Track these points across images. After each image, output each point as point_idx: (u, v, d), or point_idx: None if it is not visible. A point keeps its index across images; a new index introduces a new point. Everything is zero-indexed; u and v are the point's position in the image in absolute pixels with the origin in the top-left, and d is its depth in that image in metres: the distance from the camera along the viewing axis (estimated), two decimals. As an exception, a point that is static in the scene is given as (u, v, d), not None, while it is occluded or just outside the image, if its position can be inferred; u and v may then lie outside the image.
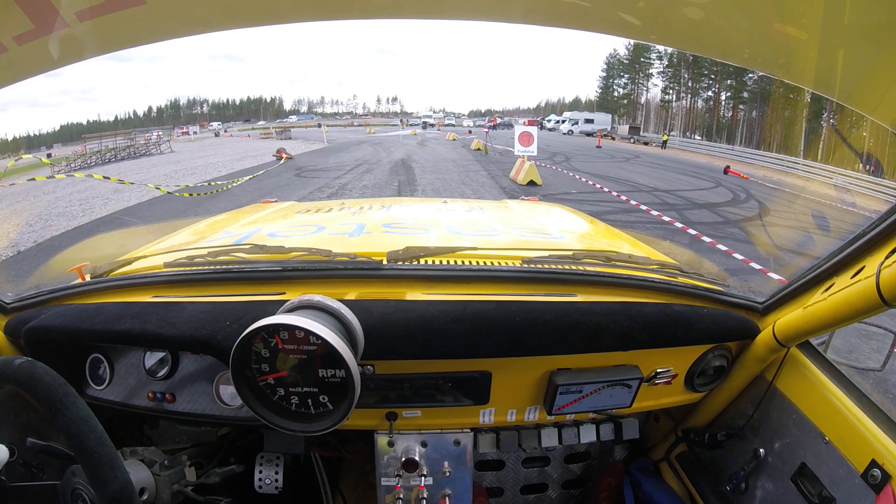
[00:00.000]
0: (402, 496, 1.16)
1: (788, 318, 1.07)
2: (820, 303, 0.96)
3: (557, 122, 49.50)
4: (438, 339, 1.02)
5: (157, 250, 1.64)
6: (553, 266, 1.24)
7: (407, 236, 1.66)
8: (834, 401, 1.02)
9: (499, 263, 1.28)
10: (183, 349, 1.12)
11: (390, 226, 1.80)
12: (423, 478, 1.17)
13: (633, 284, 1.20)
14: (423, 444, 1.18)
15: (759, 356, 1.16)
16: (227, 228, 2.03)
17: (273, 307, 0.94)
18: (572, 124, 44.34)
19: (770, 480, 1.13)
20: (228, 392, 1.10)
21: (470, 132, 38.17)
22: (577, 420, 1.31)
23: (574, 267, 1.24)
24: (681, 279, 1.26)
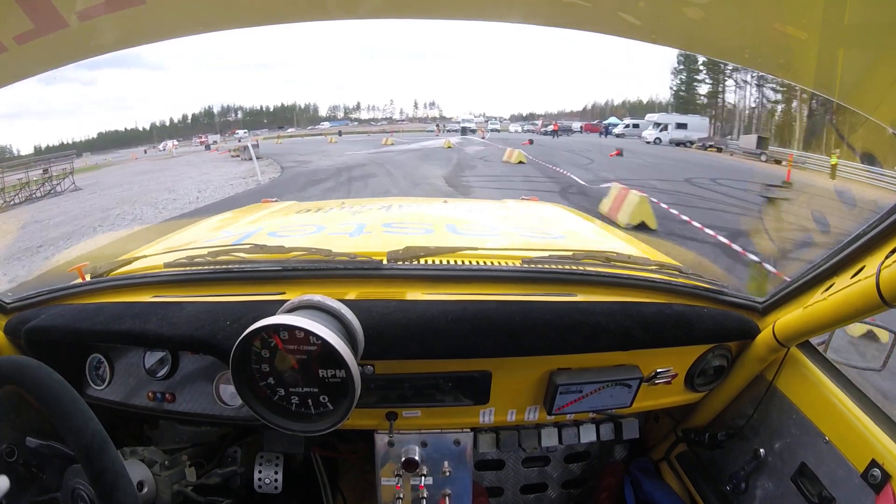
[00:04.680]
0: (402, 496, 1.16)
1: (788, 318, 1.07)
2: (820, 303, 0.96)
3: (629, 126, 37.18)
4: (438, 338, 1.02)
5: (157, 250, 1.64)
6: (553, 266, 1.24)
7: (407, 236, 1.66)
8: (834, 401, 1.02)
9: (499, 263, 1.28)
10: (183, 349, 1.12)
11: (390, 225, 1.80)
12: (423, 478, 1.17)
13: (633, 284, 1.20)
14: (423, 444, 1.18)
15: (759, 356, 1.16)
16: (227, 228, 2.04)
17: (273, 307, 0.94)
18: (659, 130, 30.34)
19: (770, 480, 1.13)
20: (228, 392, 1.10)
21: (531, 142, 27.27)
22: (577, 420, 1.31)
23: (574, 267, 1.24)
24: (681, 279, 1.26)
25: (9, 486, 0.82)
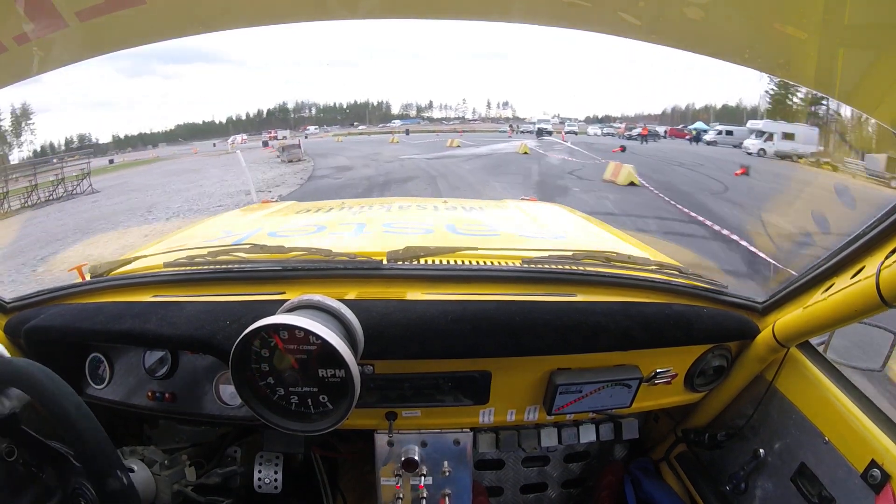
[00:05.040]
0: (401, 496, 1.16)
1: (788, 319, 1.07)
2: (820, 303, 0.96)
3: (721, 133, 30.19)
4: (438, 338, 1.02)
5: (157, 250, 1.64)
6: (553, 266, 1.24)
7: (407, 236, 1.66)
8: (833, 401, 1.02)
9: (499, 263, 1.28)
10: (183, 349, 1.12)
11: (390, 225, 1.80)
12: (422, 477, 1.17)
13: (633, 284, 1.20)
14: (423, 444, 1.18)
15: (759, 356, 1.16)
16: (227, 228, 2.04)
17: (273, 307, 0.94)
18: (764, 140, 23.91)
19: (770, 480, 1.13)
20: (228, 392, 1.10)
21: (623, 149, 20.19)
22: (576, 420, 1.31)
23: (574, 267, 1.24)
24: (681, 279, 1.26)
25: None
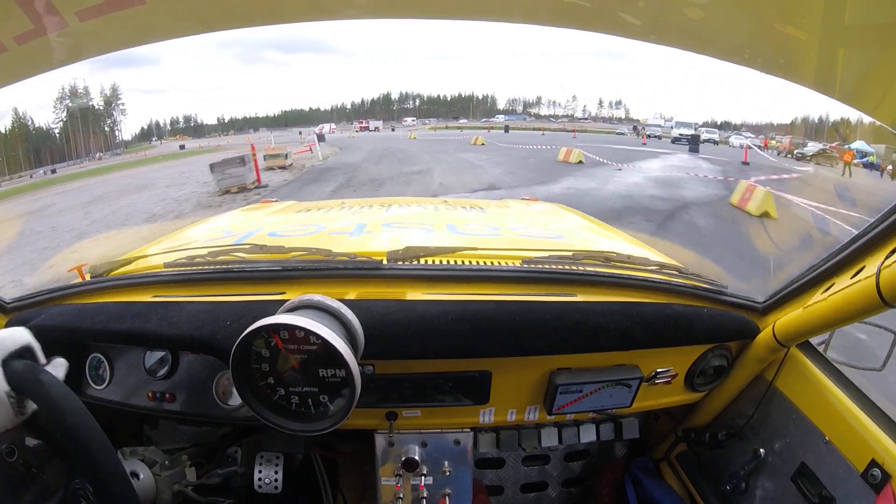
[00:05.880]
0: (402, 496, 1.16)
1: (788, 318, 1.07)
2: (820, 303, 0.96)
3: None
4: (438, 338, 1.02)
5: (157, 250, 1.64)
6: (553, 266, 1.24)
7: (407, 236, 1.66)
8: (834, 401, 1.02)
9: (499, 263, 1.28)
10: (183, 349, 1.12)
11: (390, 225, 1.80)
12: (423, 477, 1.17)
13: (633, 284, 1.20)
14: (423, 444, 1.18)
15: (759, 356, 1.16)
16: (227, 228, 2.04)
17: (273, 307, 0.94)
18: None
19: (770, 480, 1.13)
20: (228, 392, 1.10)
21: None
22: (577, 420, 1.31)
23: (574, 267, 1.24)
24: (680, 279, 1.26)
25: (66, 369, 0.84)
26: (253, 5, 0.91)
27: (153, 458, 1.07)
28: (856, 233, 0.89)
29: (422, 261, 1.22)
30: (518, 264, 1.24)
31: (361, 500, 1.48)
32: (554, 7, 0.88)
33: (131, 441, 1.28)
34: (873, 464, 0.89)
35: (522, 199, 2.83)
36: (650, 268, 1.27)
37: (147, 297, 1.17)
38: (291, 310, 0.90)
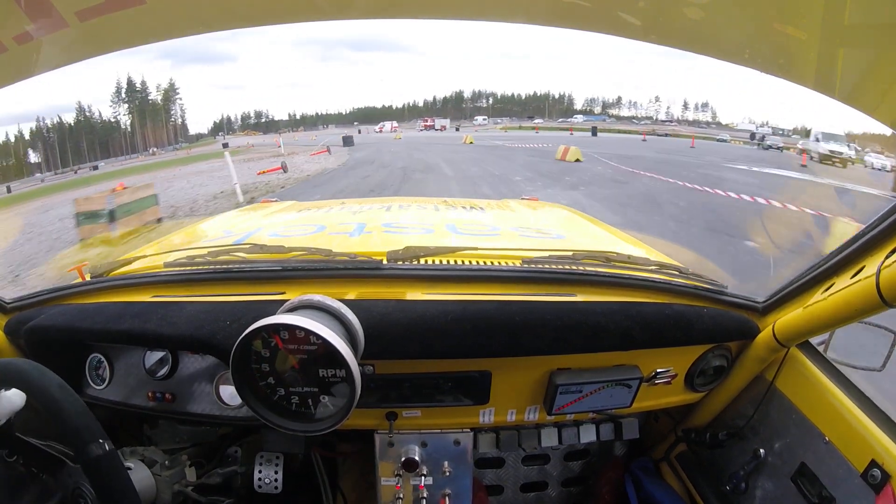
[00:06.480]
0: (401, 496, 1.16)
1: (788, 318, 1.07)
2: (820, 303, 0.96)
3: None
4: (438, 338, 1.02)
5: (157, 250, 1.64)
6: (553, 266, 1.24)
7: (407, 236, 1.66)
8: (833, 401, 1.02)
9: (499, 263, 1.28)
10: (183, 349, 1.12)
11: (390, 225, 1.80)
12: (422, 477, 1.17)
13: (633, 284, 1.20)
14: (423, 444, 1.18)
15: (759, 356, 1.16)
16: (227, 228, 2.04)
17: (273, 307, 0.94)
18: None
19: (770, 480, 1.13)
20: (228, 392, 1.10)
21: None
22: (576, 420, 1.31)
23: (574, 267, 1.24)
24: (680, 279, 1.26)
25: (22, 404, 0.83)
26: (253, 5, 0.91)
27: (153, 457, 1.06)
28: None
29: (422, 261, 1.22)
30: (518, 264, 1.24)
31: (361, 500, 1.48)
32: (554, 7, 0.88)
33: (131, 441, 1.28)
34: (873, 464, 0.89)
35: (523, 198, 2.83)
36: (650, 268, 1.27)
37: (147, 297, 1.17)
38: (291, 310, 0.90)
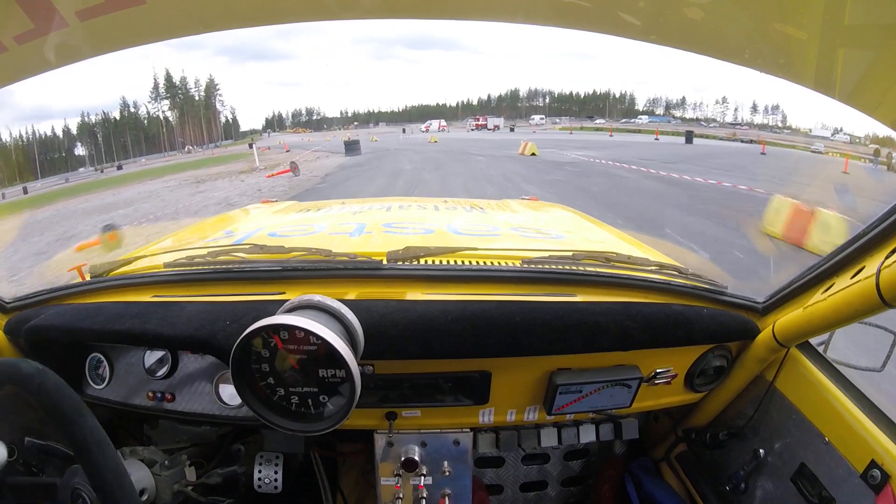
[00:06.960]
0: (401, 496, 1.16)
1: (788, 319, 1.07)
2: (820, 303, 0.96)
3: None
4: (438, 338, 1.02)
5: (157, 250, 1.64)
6: (553, 266, 1.24)
7: (407, 236, 1.66)
8: (833, 401, 1.02)
9: (499, 263, 1.28)
10: (183, 349, 1.12)
11: (390, 225, 1.80)
12: (422, 477, 1.17)
13: (633, 284, 1.20)
14: (423, 444, 1.18)
15: (759, 356, 1.16)
16: (227, 228, 2.04)
17: (273, 307, 0.94)
18: None
19: (770, 480, 1.13)
20: (228, 392, 1.10)
21: None
22: (576, 420, 1.31)
23: (574, 267, 1.24)
24: (680, 279, 1.26)
25: (8, 456, 0.83)
26: (253, 5, 0.91)
27: (153, 457, 1.07)
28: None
29: (422, 261, 1.22)
30: (518, 264, 1.24)
31: (361, 500, 1.48)
32: (554, 7, 0.88)
33: (131, 441, 1.28)
34: (873, 464, 0.89)
35: (523, 198, 2.83)
36: (650, 268, 1.27)
37: (147, 297, 1.17)
38: (291, 310, 0.90)
